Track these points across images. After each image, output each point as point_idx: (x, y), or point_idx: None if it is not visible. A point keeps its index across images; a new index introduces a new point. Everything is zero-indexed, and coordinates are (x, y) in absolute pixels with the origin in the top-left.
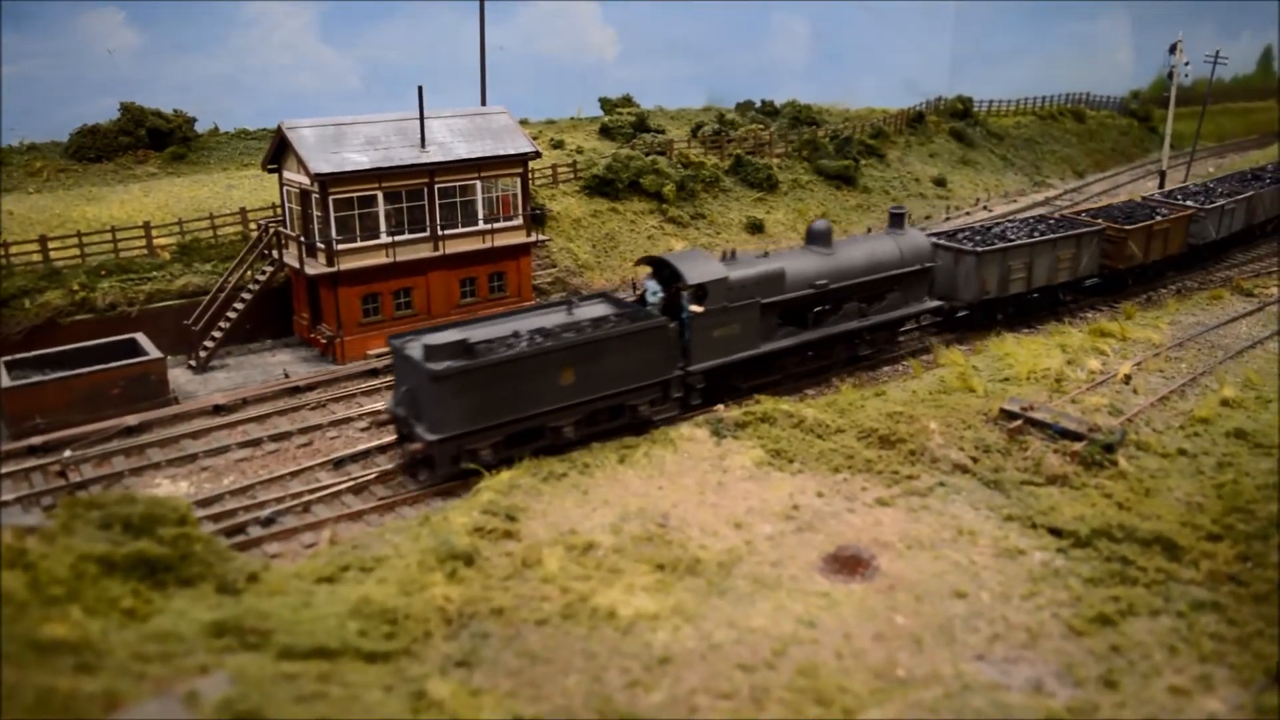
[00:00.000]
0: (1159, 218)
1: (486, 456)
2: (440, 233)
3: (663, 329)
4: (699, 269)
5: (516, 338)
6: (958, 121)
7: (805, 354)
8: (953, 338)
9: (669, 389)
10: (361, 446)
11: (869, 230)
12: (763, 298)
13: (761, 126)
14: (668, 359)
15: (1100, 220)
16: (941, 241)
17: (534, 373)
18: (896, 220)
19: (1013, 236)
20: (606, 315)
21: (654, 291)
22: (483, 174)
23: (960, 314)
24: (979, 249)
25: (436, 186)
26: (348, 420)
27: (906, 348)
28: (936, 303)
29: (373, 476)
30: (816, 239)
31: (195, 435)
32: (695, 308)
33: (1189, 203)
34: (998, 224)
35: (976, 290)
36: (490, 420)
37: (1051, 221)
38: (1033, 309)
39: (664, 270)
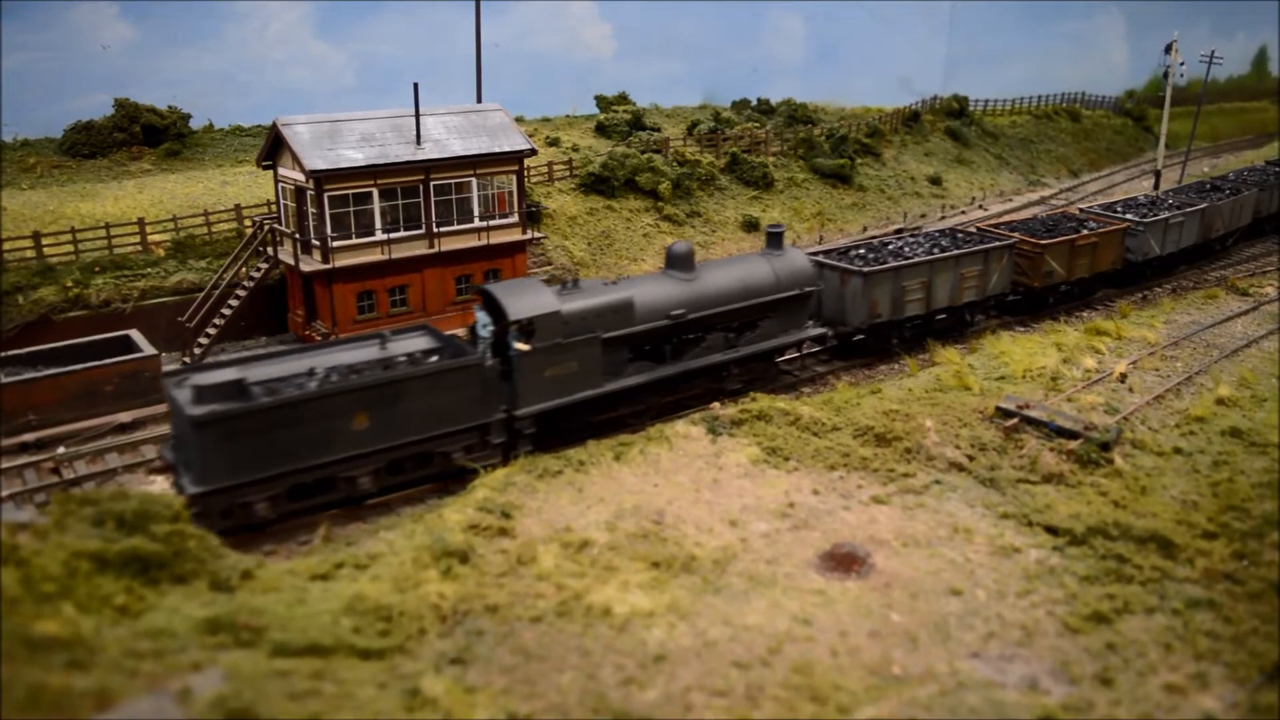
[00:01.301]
0: (1085, 231)
1: (264, 511)
2: (435, 230)
3: (477, 368)
4: (525, 302)
5: (310, 376)
6: (953, 121)
7: (667, 389)
8: (844, 365)
9: (489, 434)
10: None
11: (865, 229)
12: (606, 331)
13: (757, 125)
14: (487, 401)
15: (1016, 234)
16: (826, 261)
17: (319, 417)
18: (773, 239)
19: (910, 253)
20: (424, 351)
21: (484, 325)
22: (478, 171)
23: (856, 339)
24: (866, 269)
25: (432, 183)
26: None
27: (787, 379)
28: (819, 330)
29: None
30: (676, 263)
31: None
32: (521, 345)
33: (1129, 215)
34: (898, 239)
35: (865, 314)
36: (267, 471)
37: (960, 236)
38: (935, 333)
39: (495, 302)
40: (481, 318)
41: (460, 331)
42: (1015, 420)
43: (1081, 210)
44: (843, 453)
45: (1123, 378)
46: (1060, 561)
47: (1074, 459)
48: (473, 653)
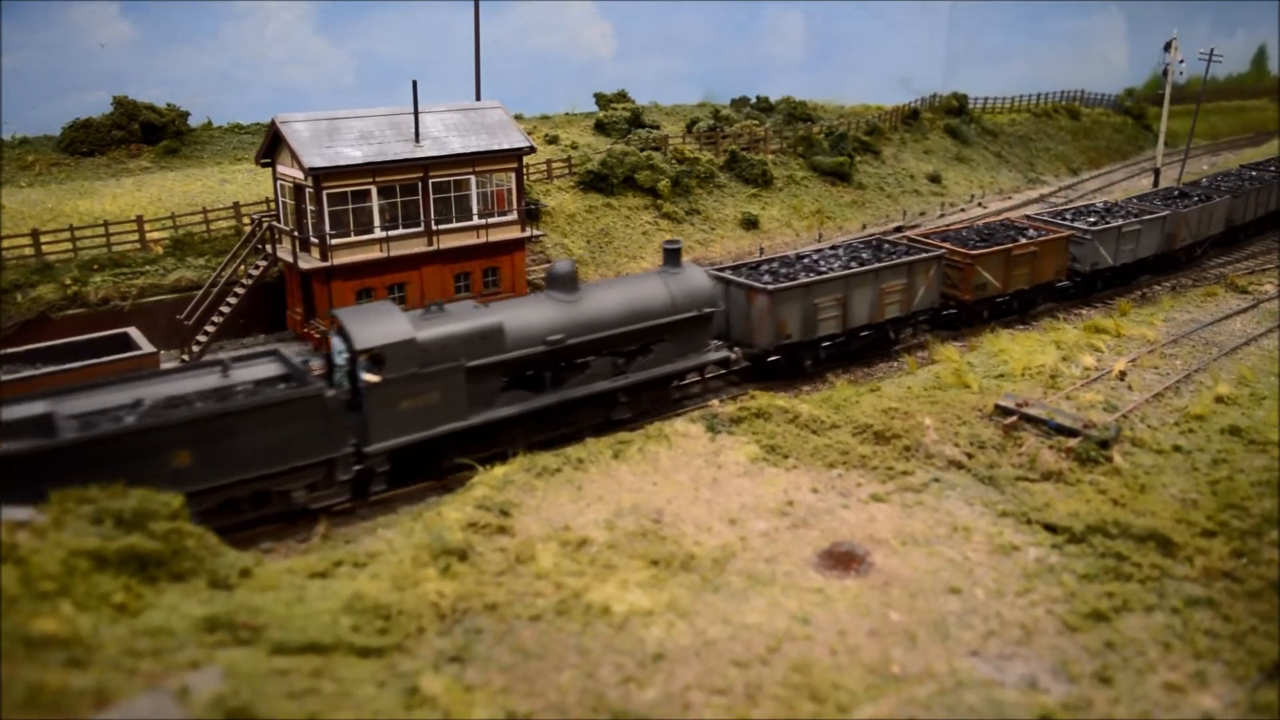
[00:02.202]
0: (1023, 240)
1: None
2: (434, 228)
3: (317, 400)
4: (374, 330)
5: (133, 409)
6: (953, 118)
7: (547, 419)
8: (758, 386)
9: (335, 471)
10: None
11: (864, 226)
12: (471, 359)
13: (757, 123)
14: (331, 435)
15: (947, 244)
16: (731, 278)
17: (133, 455)
18: (671, 257)
19: (825, 268)
20: (267, 380)
21: (340, 352)
22: (477, 169)
23: (771, 360)
24: (771, 286)
25: (431, 181)
26: None
27: (686, 405)
28: (720, 353)
29: None
30: (557, 284)
31: None
32: (370, 376)
33: (1077, 223)
34: (817, 252)
35: (773, 334)
36: None
37: (886, 246)
38: (855, 353)
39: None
40: (337, 344)
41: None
42: (1014, 418)
43: (1028, 217)
44: (842, 451)
45: (1122, 375)
46: (1059, 560)
47: (1073, 457)
48: (471, 651)
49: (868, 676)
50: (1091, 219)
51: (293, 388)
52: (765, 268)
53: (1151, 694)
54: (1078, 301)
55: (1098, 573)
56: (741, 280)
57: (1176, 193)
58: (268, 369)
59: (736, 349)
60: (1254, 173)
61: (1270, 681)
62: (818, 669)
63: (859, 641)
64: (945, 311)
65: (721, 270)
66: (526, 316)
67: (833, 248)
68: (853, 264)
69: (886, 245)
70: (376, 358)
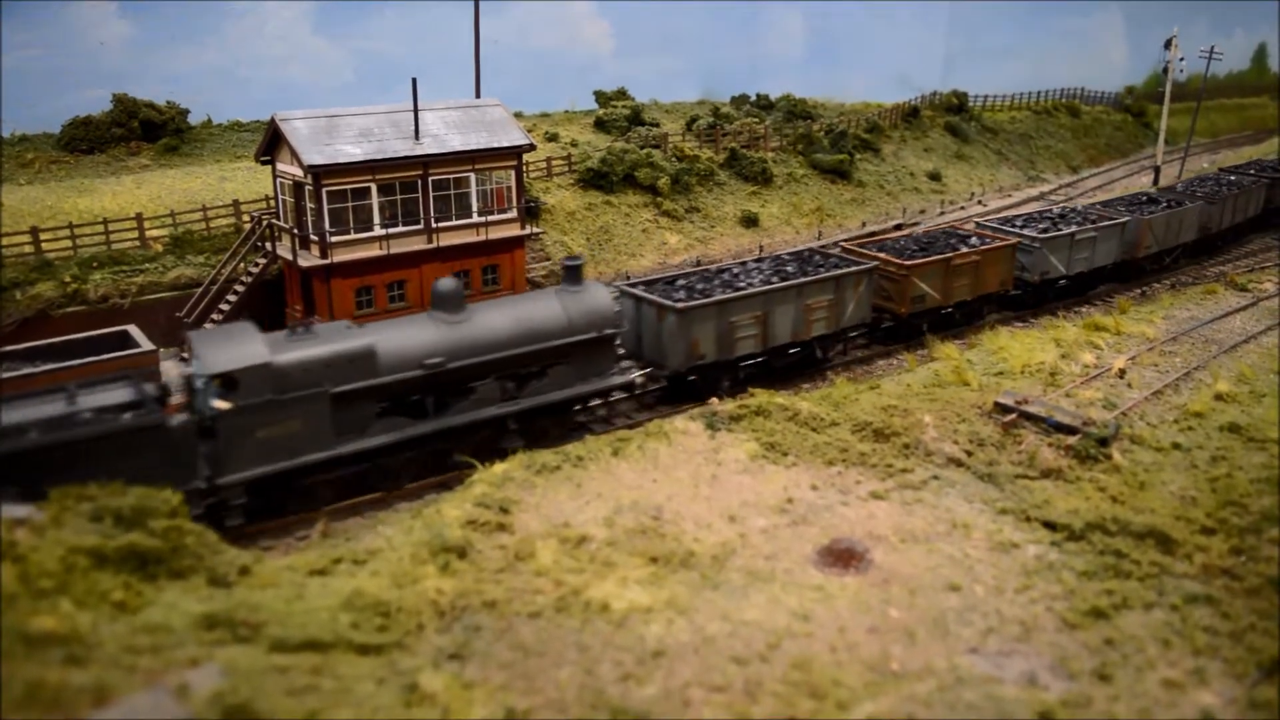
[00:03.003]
0: (965, 249)
1: None
2: (434, 225)
3: (158, 429)
4: (226, 353)
5: None
6: (952, 116)
7: (428, 447)
8: (672, 410)
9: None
10: None
11: (864, 224)
12: (337, 384)
13: (756, 120)
14: (178, 467)
15: (882, 255)
16: (642, 294)
17: None
18: (570, 274)
19: (744, 283)
20: (116, 406)
21: (198, 377)
22: (477, 166)
23: (690, 379)
24: (680, 304)
25: (430, 179)
26: None
27: (596, 430)
28: (624, 378)
29: None
30: (440, 303)
31: None
32: (221, 403)
33: (1027, 231)
34: (740, 265)
35: (684, 355)
36: None
37: (817, 258)
38: (778, 372)
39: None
40: (197, 367)
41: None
42: (1014, 416)
43: (977, 224)
44: (841, 448)
45: (1121, 373)
46: (1059, 557)
47: (1072, 454)
48: (471, 648)
49: (867, 673)
50: (1042, 226)
51: (136, 416)
52: (682, 283)
53: (1151, 691)
54: (1027, 311)
55: (1097, 570)
56: (652, 297)
57: (1145, 198)
58: (117, 395)
59: (650, 370)
60: (1232, 177)
61: (1269, 678)
62: (817, 666)
63: (858, 638)
64: (884, 325)
65: (634, 285)
66: (403, 338)
67: (758, 260)
68: (774, 279)
69: (817, 257)
70: (228, 382)
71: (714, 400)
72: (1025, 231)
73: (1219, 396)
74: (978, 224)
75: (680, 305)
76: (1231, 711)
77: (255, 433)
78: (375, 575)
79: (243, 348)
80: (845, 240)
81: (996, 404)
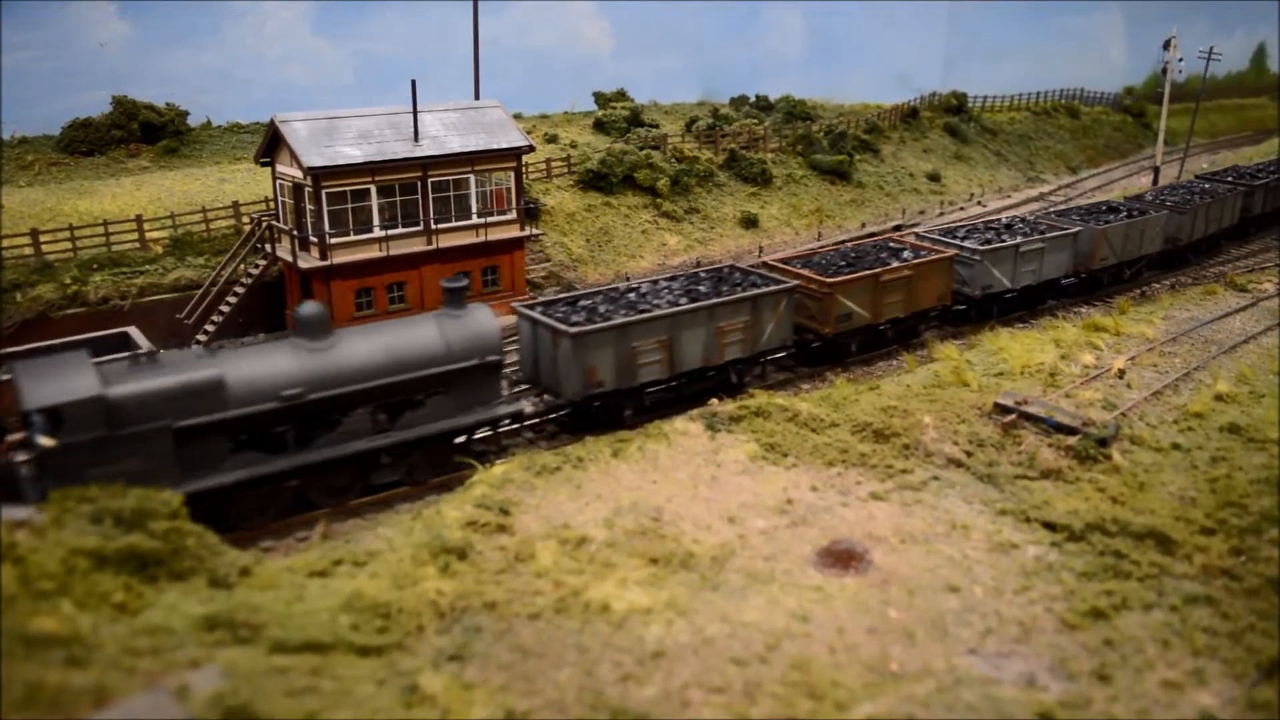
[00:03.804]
0: (897, 263)
1: None
2: (433, 227)
3: None
4: (51, 385)
5: None
6: (952, 117)
7: (291, 483)
8: (572, 440)
9: None
10: None
11: (863, 225)
12: (182, 418)
13: (756, 121)
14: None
15: (806, 271)
16: (537, 316)
17: None
18: (452, 297)
19: (650, 304)
20: None
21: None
22: (476, 168)
23: (592, 406)
24: (574, 328)
25: (430, 180)
26: None
27: (488, 461)
28: (511, 407)
29: None
30: (303, 329)
31: None
32: (46, 440)
33: (968, 242)
34: (651, 283)
35: (580, 382)
36: None
37: (737, 276)
38: (689, 398)
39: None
40: (24, 400)
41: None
42: (1013, 416)
43: (918, 235)
44: (841, 449)
45: (1121, 374)
46: (1058, 558)
47: (1072, 455)
48: (471, 649)
49: (866, 674)
50: (986, 237)
51: None
52: (585, 303)
53: (1150, 691)
54: (969, 326)
55: (1096, 570)
56: (546, 320)
57: (1105, 207)
58: None
59: (546, 397)
60: (1206, 185)
61: (1268, 679)
62: (816, 667)
63: (858, 639)
64: (814, 344)
65: (532, 307)
66: (258, 367)
67: (672, 279)
68: (682, 300)
69: (736, 275)
70: (53, 417)
71: (714, 401)
72: (966, 243)
73: (1219, 397)
74: (917, 235)
75: (574, 330)
76: (1230, 712)
77: (84, 471)
78: (375, 577)
79: (70, 379)
80: (773, 257)
81: (996, 405)
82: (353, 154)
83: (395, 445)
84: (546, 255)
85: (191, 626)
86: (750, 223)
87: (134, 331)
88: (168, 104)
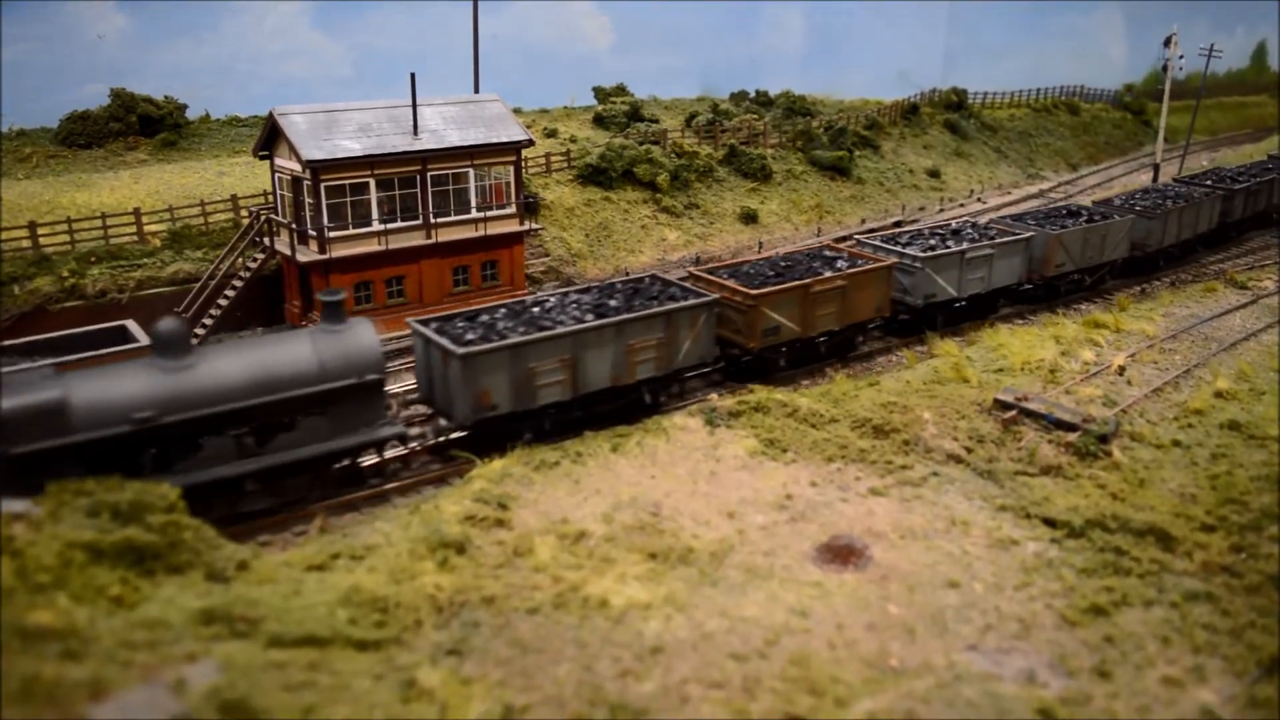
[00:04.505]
0: (829, 273)
1: None
2: (433, 221)
3: None
4: None
5: None
6: (952, 113)
7: None
8: (470, 467)
9: None
10: None
11: (863, 220)
12: (17, 445)
13: (756, 117)
14: None
15: (731, 282)
16: (429, 334)
17: None
18: (330, 311)
19: (552, 322)
20: None
21: None
22: (475, 162)
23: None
24: (462, 349)
25: (429, 174)
26: None
27: (379, 486)
28: (393, 429)
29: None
30: (160, 346)
31: None
32: None
33: (910, 250)
34: (560, 296)
35: (471, 405)
36: None
37: (657, 288)
38: (595, 419)
39: None
40: None
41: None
42: (1013, 412)
43: (859, 240)
44: (840, 445)
45: (1121, 370)
46: (1058, 554)
47: (1072, 451)
48: (469, 644)
49: (866, 670)
50: (930, 243)
51: None
52: (485, 319)
53: (1150, 688)
54: (914, 338)
55: (1096, 567)
56: (438, 339)
57: (1065, 211)
58: None
59: (438, 419)
60: (1181, 188)
61: (1269, 676)
62: (816, 662)
63: (857, 635)
64: (743, 359)
65: (427, 323)
66: (107, 388)
67: (585, 290)
68: (588, 316)
69: (656, 287)
70: None
71: (714, 396)
72: (908, 250)
73: (1219, 394)
74: (857, 241)
75: (463, 350)
76: (1231, 709)
77: None
78: (373, 571)
79: None
80: (697, 267)
81: (996, 401)
82: (352, 147)
83: (264, 470)
84: (546, 250)
85: (188, 620)
86: (750, 218)
87: (132, 325)
88: (166, 97)
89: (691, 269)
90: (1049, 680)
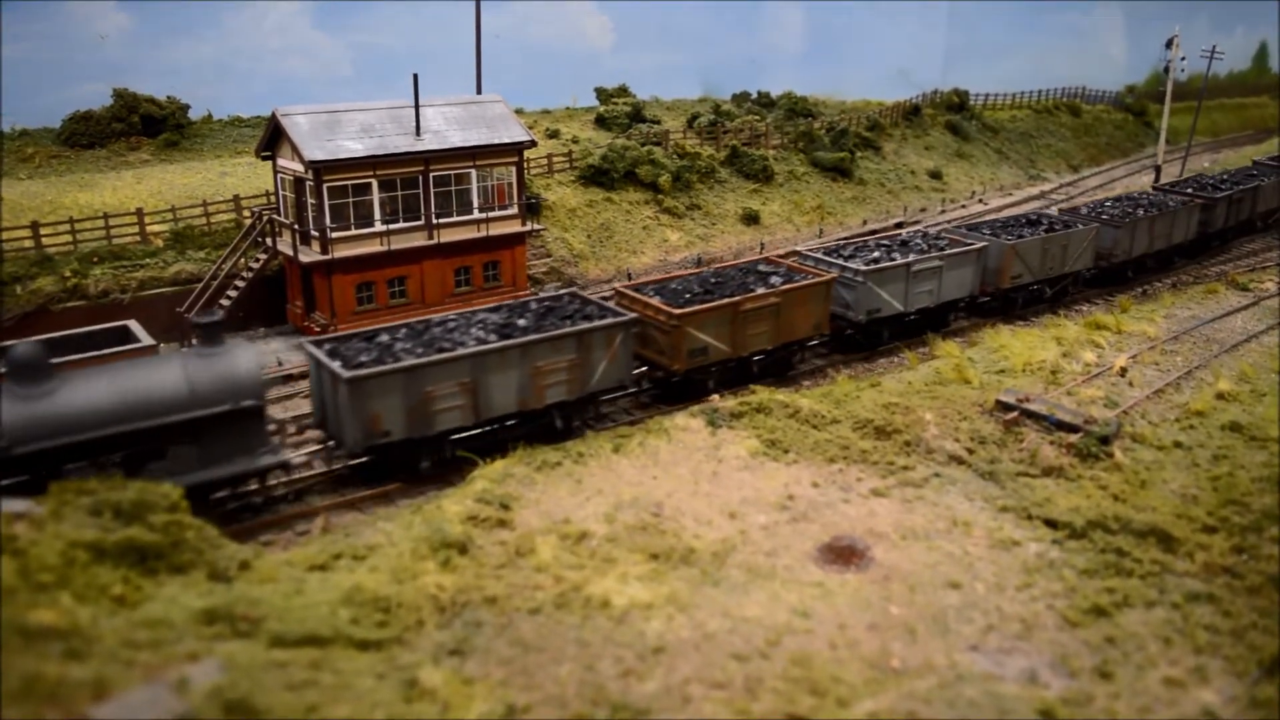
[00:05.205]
0: (763, 289)
1: None
2: (435, 221)
3: None
4: None
5: None
6: (953, 115)
7: None
8: (368, 495)
9: None
10: None
11: (864, 222)
12: None
13: (757, 118)
14: None
15: (655, 300)
16: (321, 357)
17: None
18: (206, 333)
19: (452, 343)
20: None
21: None
22: (478, 162)
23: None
24: (352, 372)
25: (431, 175)
26: None
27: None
28: (275, 459)
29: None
30: (16, 372)
31: None
32: None
33: (852, 263)
34: (467, 316)
35: (361, 431)
36: None
37: (575, 306)
38: (500, 444)
39: None
40: None
41: None
42: (1015, 414)
43: (801, 253)
44: (842, 445)
45: (1123, 372)
46: (1059, 555)
47: (1074, 452)
48: (471, 644)
49: (867, 670)
50: (875, 255)
51: None
52: (385, 338)
53: (1151, 689)
54: (861, 355)
55: (1098, 568)
56: (327, 362)
57: (1025, 220)
58: None
59: (330, 445)
60: (1157, 196)
61: (1270, 677)
62: (817, 662)
63: (859, 635)
64: (673, 379)
65: (320, 344)
66: None
67: (495, 309)
68: (492, 336)
69: (574, 305)
70: None
71: (715, 397)
72: (850, 263)
73: (1220, 395)
74: (799, 254)
75: (349, 374)
76: (1232, 709)
77: None
78: (375, 571)
79: None
80: (625, 284)
81: (998, 402)
82: (354, 148)
83: None
84: (548, 250)
85: (191, 619)
86: (752, 219)
87: (134, 325)
88: (169, 97)
89: (618, 285)
90: (1050, 681)
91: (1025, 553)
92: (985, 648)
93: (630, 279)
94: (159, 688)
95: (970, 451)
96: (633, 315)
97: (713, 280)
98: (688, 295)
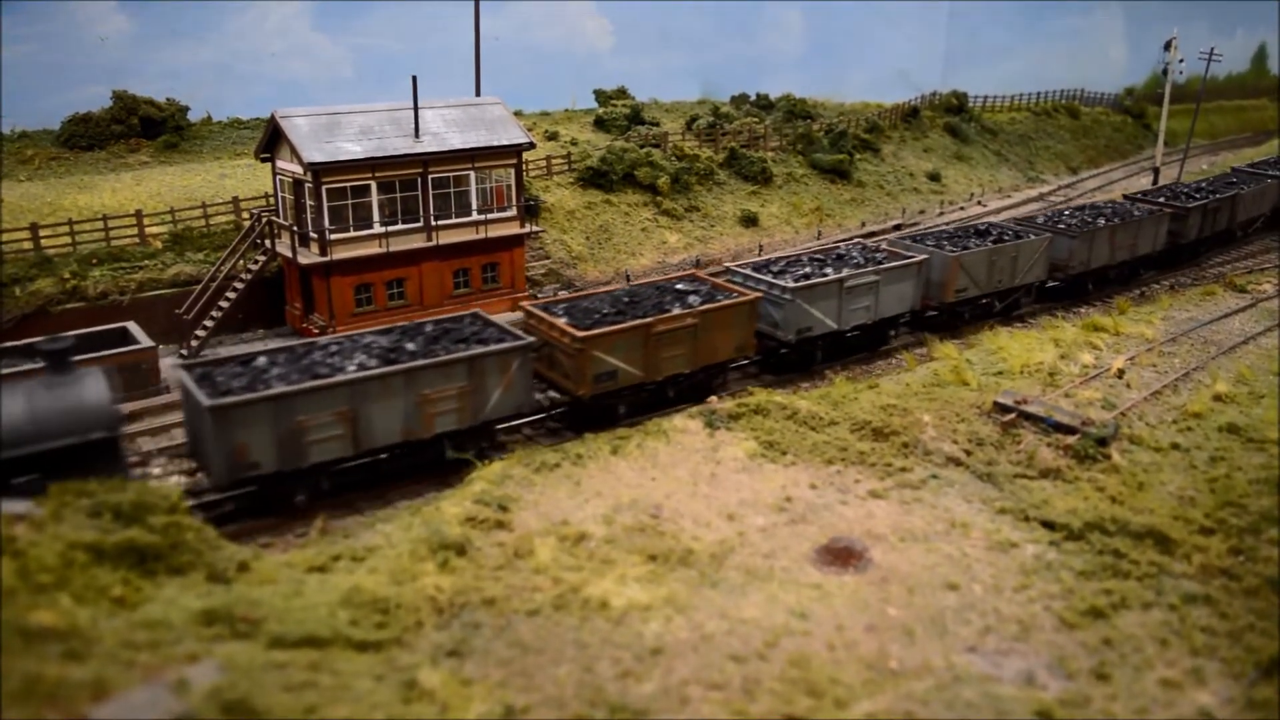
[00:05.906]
0: (679, 309)
1: None
2: (434, 223)
3: None
4: None
5: None
6: (952, 117)
7: None
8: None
9: None
10: None
11: (863, 224)
12: None
13: (756, 120)
14: None
15: (561, 321)
16: (189, 381)
17: None
18: (54, 361)
19: (330, 369)
20: None
21: None
22: (477, 165)
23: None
24: (211, 400)
25: (430, 177)
26: None
27: None
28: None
29: None
30: None
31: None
32: None
33: (780, 279)
34: (352, 339)
35: (226, 464)
36: None
37: (472, 329)
38: (386, 476)
39: None
40: None
41: None
42: (1013, 415)
43: (729, 268)
44: (840, 447)
45: (1120, 373)
46: (1057, 556)
47: (1071, 454)
48: (469, 645)
49: (865, 672)
50: (807, 270)
51: None
52: (260, 362)
53: (1149, 690)
54: (800, 375)
55: (1095, 569)
56: (192, 388)
57: (974, 230)
58: None
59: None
60: (1122, 205)
61: (1267, 678)
62: (815, 664)
63: (857, 637)
64: (580, 405)
65: (193, 367)
66: None
67: (385, 331)
68: (374, 362)
69: (477, 327)
70: None
71: (713, 399)
72: (779, 280)
73: (1218, 397)
74: (728, 269)
75: (210, 403)
76: (1229, 711)
77: None
78: (374, 572)
79: None
80: (533, 302)
81: (995, 404)
82: (353, 150)
83: None
84: (546, 252)
85: (190, 621)
86: (750, 221)
87: (133, 326)
88: (168, 99)
89: (525, 304)
90: (1048, 682)
91: (1023, 554)
92: (983, 649)
93: (629, 281)
94: (158, 688)
95: (968, 453)
96: (530, 340)
97: (625, 300)
98: (597, 315)
